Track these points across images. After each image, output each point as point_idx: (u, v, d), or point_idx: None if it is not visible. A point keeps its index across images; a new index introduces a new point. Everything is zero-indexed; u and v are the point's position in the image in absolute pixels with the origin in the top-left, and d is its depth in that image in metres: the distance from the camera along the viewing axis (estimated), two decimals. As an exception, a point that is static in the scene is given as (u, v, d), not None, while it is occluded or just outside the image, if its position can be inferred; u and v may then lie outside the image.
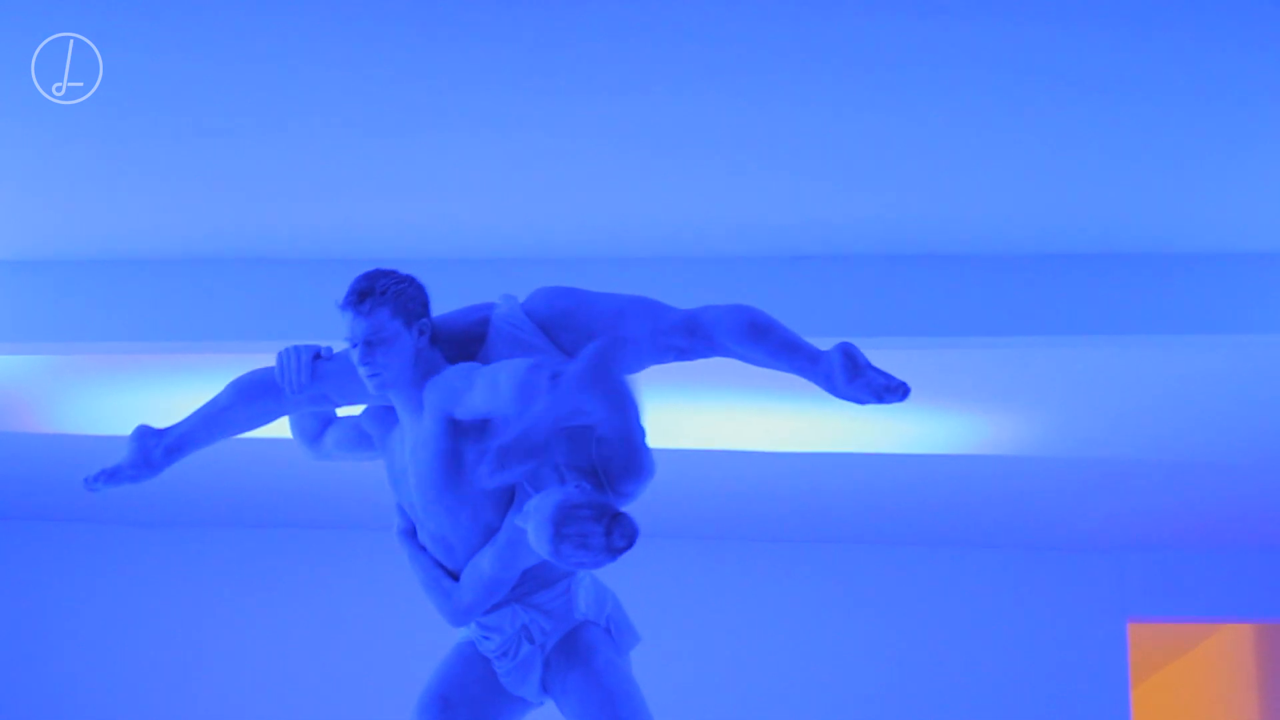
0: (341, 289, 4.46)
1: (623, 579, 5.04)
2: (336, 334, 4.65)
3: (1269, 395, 7.63)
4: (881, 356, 5.88)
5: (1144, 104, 5.67)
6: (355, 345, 4.20)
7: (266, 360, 6.51)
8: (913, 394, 6.01)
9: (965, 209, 6.46)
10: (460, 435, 4.26)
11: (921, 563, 9.92)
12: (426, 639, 8.19)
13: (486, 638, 4.35)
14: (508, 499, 4.22)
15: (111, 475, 4.42)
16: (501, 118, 5.83)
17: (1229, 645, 11.50)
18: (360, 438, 4.47)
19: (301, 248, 6.93)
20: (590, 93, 5.66)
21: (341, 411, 4.65)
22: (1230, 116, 5.72)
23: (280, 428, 6.72)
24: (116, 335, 7.04)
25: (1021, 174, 6.19)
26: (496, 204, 6.55)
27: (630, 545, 3.98)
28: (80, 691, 9.76)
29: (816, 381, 4.17)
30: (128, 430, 7.92)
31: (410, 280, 4.21)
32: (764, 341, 4.22)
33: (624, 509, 4.08)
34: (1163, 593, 9.91)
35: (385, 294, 4.11)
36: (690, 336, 4.26)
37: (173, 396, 7.52)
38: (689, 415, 8.23)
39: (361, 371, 4.16)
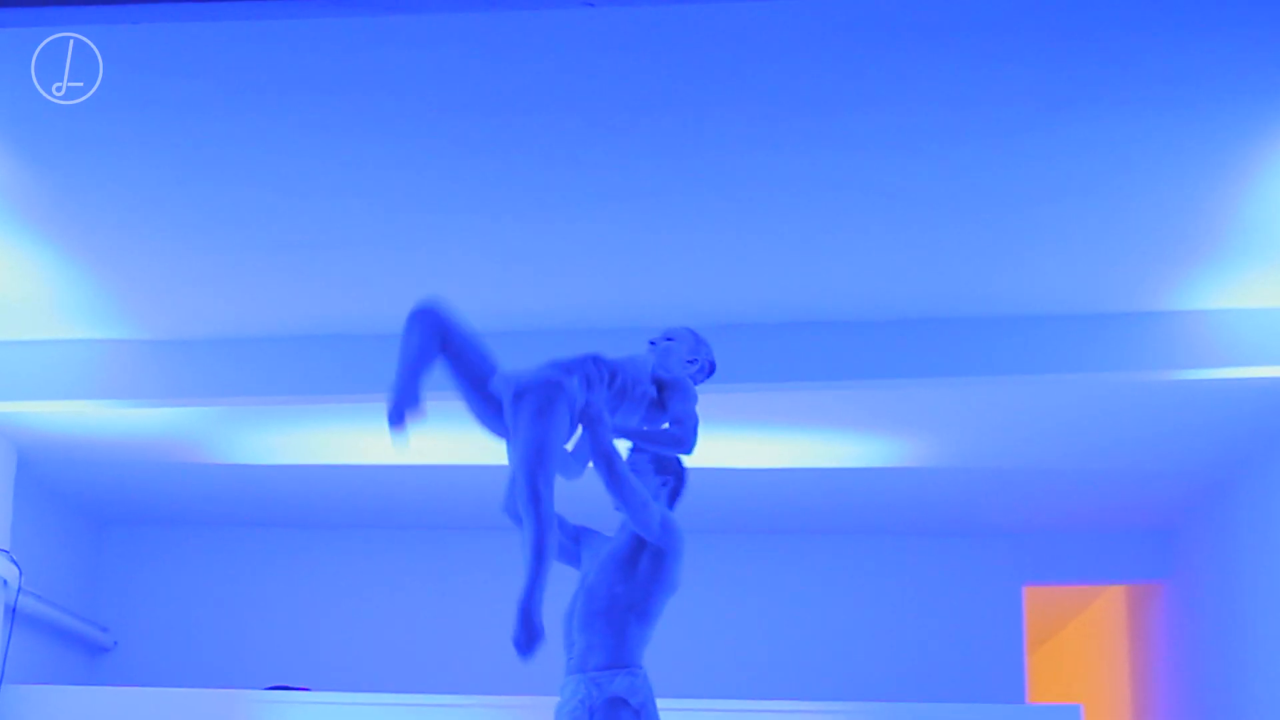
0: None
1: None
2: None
3: (1089, 415, 8.13)
4: (844, 392, 7.26)
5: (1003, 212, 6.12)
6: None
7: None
8: (855, 421, 7.08)
9: (879, 288, 6.86)
10: None
11: (859, 547, 10.38)
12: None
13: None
14: None
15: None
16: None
17: (1106, 610, 11.72)
18: None
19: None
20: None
21: None
22: (1030, 221, 6.22)
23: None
24: (264, 390, 7.64)
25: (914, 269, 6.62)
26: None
27: None
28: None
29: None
30: (274, 460, 8.64)
31: None
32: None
33: None
34: (1047, 563, 10.38)
35: None
36: None
37: (305, 436, 8.73)
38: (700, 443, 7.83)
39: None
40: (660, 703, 5.49)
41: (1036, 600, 11.37)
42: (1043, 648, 13.45)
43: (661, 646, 9.19)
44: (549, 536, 4.73)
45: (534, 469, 4.78)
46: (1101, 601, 11.97)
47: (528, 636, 4.72)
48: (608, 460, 5.06)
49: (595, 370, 5.12)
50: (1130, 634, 11.32)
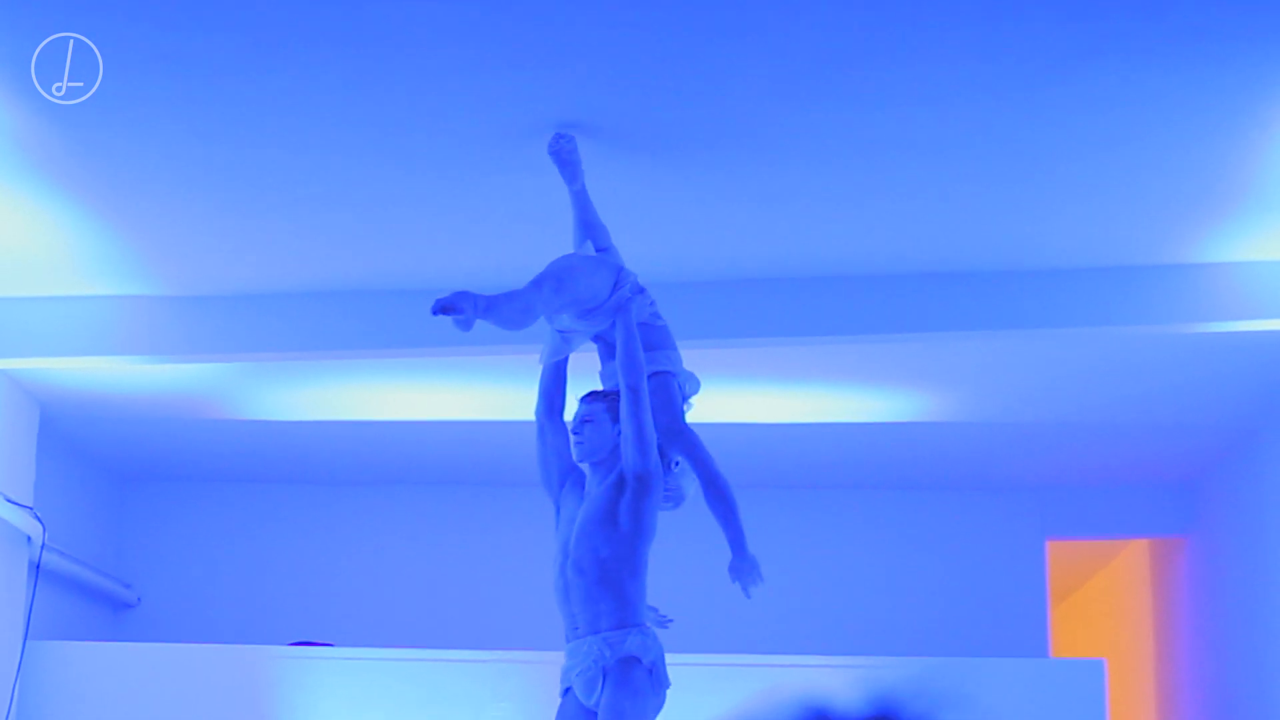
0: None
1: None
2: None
3: (1112, 369, 8.19)
4: (867, 346, 7.37)
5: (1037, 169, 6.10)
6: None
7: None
8: (878, 376, 7.16)
9: (920, 241, 6.88)
10: None
11: (883, 502, 10.48)
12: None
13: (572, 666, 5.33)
14: None
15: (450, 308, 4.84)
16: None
17: (1129, 564, 11.84)
18: None
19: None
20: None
21: None
22: (1054, 175, 6.21)
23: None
24: (288, 346, 7.63)
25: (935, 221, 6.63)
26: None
27: None
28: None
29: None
30: (296, 416, 8.75)
31: None
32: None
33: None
34: (1071, 517, 10.48)
35: None
36: None
37: (327, 392, 8.79)
38: (724, 398, 8.49)
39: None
40: (682, 658, 5.56)
41: (1060, 554, 11.42)
42: (1066, 602, 13.49)
43: (685, 601, 9.03)
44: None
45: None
46: (1125, 556, 12.04)
47: (449, 300, 4.88)
48: (639, 371, 5.32)
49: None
50: (1153, 588, 11.38)
